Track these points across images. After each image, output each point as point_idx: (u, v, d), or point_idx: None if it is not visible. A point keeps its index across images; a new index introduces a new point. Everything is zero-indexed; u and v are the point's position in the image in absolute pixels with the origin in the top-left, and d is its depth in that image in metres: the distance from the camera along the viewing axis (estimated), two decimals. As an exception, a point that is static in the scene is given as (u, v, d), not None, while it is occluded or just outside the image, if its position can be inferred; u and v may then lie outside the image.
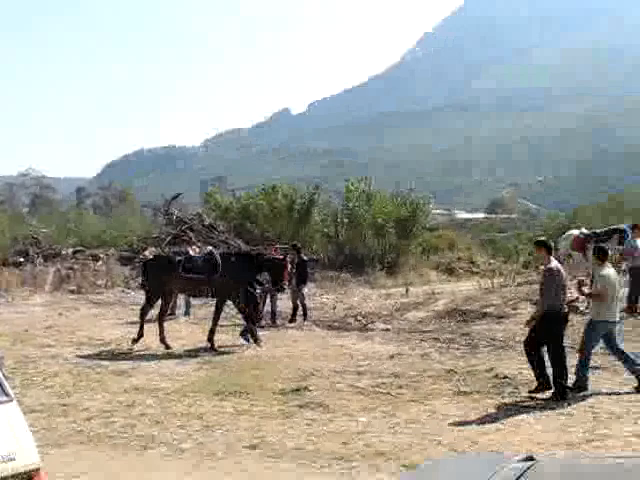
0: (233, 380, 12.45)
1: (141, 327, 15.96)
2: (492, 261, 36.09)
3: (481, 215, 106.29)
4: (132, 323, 19.55)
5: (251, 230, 33.96)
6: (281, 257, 16.95)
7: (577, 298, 14.12)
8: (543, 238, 12.57)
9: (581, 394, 11.01)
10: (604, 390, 11.30)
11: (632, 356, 11.57)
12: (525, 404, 10.65)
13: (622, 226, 20.50)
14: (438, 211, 68.85)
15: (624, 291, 19.79)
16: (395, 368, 13.21)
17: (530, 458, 2.53)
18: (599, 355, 13.78)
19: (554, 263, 11.19)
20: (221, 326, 16.54)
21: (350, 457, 8.44)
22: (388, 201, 34.77)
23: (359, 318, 19.76)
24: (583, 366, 11.33)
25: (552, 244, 11.78)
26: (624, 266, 21.46)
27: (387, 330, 18.02)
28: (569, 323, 12.25)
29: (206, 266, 15.95)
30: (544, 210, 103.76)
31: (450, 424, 9.73)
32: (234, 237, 31.55)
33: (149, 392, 11.68)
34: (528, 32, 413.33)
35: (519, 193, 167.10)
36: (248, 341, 15.97)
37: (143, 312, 16.29)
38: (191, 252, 17.40)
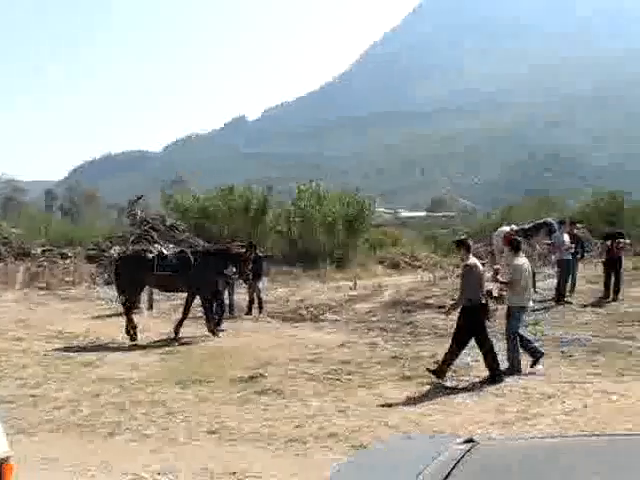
0: (194, 369, 12.38)
1: (131, 321, 15.86)
2: (433, 256, 36.31)
3: (423, 213, 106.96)
4: (98, 317, 19.42)
5: (209, 229, 33.77)
6: (244, 252, 17.04)
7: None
8: (462, 237, 12.74)
9: (515, 376, 11.14)
10: (536, 372, 11.43)
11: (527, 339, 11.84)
12: (464, 387, 10.73)
13: (549, 220, 20.68)
14: (383, 210, 69.10)
15: (551, 282, 20.12)
16: (345, 356, 13.23)
17: (470, 440, 2.52)
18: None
19: (472, 260, 11.32)
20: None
21: (304, 439, 8.42)
22: (337, 201, 34.83)
23: (311, 310, 19.74)
24: (513, 350, 11.50)
25: (470, 242, 11.88)
26: (553, 258, 21.77)
27: (337, 320, 18.04)
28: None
29: (179, 263, 16.04)
30: (481, 208, 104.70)
31: (396, 407, 9.76)
32: (194, 236, 31.33)
33: (115, 382, 11.55)
34: (461, 43, 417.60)
35: (458, 192, 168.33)
36: (223, 330, 16.18)
37: (127, 307, 16.16)
38: (165, 251, 17.27)
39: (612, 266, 18.70)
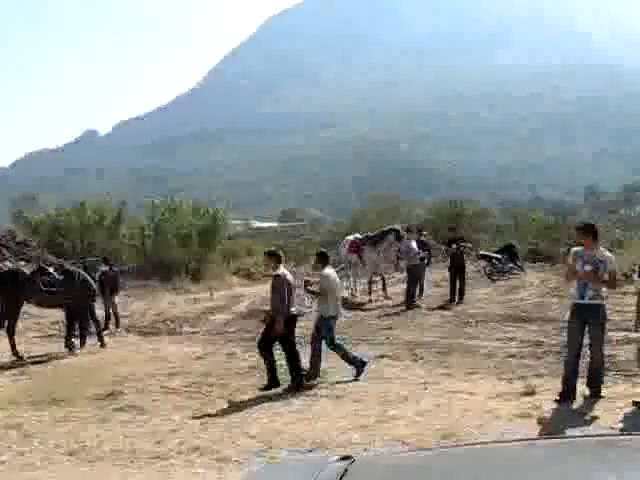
0: (50, 389, 11.75)
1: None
2: (286, 265, 36.42)
3: (274, 224, 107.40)
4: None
5: (62, 245, 32.56)
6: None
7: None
8: (273, 249, 12.82)
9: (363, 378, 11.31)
10: (391, 376, 11.57)
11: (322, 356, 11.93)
12: (324, 394, 10.70)
13: (396, 227, 21.08)
14: (236, 221, 68.82)
15: (401, 287, 20.54)
16: (204, 368, 12.96)
17: (347, 457, 2.42)
18: (385, 345, 14.20)
19: (282, 270, 11.38)
20: (34, 337, 15.69)
21: (166, 455, 8.13)
22: (190, 214, 34.38)
23: (168, 323, 19.33)
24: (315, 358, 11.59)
25: (281, 253, 11.99)
26: (402, 264, 22.25)
27: (195, 333, 17.73)
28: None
29: (62, 280, 15.45)
30: (331, 218, 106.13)
31: (257, 417, 9.61)
32: (47, 252, 30.10)
33: (-36, 407, 10.82)
34: (317, 59, 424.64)
35: (309, 203, 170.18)
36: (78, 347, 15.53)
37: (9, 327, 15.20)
38: (51, 269, 16.44)
39: (456, 270, 19.30)
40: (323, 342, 11.80)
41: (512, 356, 12.59)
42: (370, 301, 20.07)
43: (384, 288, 20.50)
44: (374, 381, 11.24)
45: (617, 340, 12.56)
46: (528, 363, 11.99)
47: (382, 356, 13.21)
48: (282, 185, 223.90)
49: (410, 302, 18.70)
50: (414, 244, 19.44)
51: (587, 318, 9.54)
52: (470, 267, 22.76)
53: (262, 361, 11.53)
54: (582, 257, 9.56)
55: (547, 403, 9.31)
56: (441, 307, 18.49)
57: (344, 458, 2.41)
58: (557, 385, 9.75)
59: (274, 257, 11.62)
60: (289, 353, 11.30)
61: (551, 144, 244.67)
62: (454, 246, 19.58)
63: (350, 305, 19.78)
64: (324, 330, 11.69)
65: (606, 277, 9.49)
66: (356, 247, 21.12)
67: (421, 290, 19.91)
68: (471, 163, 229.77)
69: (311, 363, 11.71)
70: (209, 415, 9.79)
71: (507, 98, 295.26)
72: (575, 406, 9.25)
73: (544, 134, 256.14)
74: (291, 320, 11.37)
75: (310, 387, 11.12)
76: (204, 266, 33.07)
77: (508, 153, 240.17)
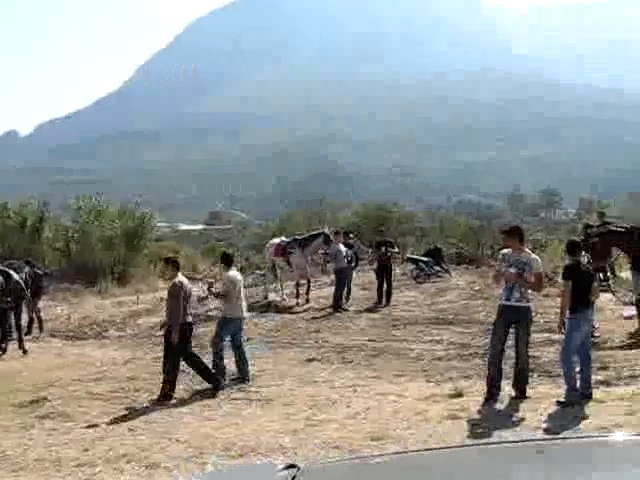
0: (-30, 396, 11.39)
1: None
2: (213, 268, 36.08)
3: (200, 226, 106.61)
4: None
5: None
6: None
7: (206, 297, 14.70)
8: (171, 256, 12.81)
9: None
10: (320, 379, 11.55)
11: (247, 357, 11.95)
12: (253, 397, 10.62)
13: (325, 230, 21.05)
14: (162, 224, 68.03)
15: (329, 290, 20.53)
16: (131, 372, 12.73)
17: (292, 466, 2.37)
18: (314, 348, 14.17)
19: (179, 278, 11.28)
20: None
21: (93, 462, 7.94)
22: (116, 216, 33.76)
23: (94, 327, 18.96)
24: (220, 359, 11.54)
25: (179, 261, 11.97)
26: (329, 267, 22.29)
27: (121, 337, 17.43)
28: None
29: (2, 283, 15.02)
30: (257, 221, 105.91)
31: (186, 422, 9.48)
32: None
33: None
34: (243, 60, 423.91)
35: (235, 206, 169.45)
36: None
37: None
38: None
39: (384, 273, 19.40)
40: (246, 346, 11.76)
41: (440, 358, 12.72)
42: (298, 304, 20.03)
43: (307, 292, 20.48)
44: (304, 385, 11.22)
45: (540, 341, 12.79)
46: (455, 365, 12.13)
47: (311, 359, 13.19)
48: (209, 187, 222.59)
49: (338, 305, 18.72)
50: (342, 247, 19.46)
51: (513, 319, 9.70)
52: (397, 270, 22.95)
53: (190, 365, 11.38)
54: (509, 259, 9.72)
55: (475, 404, 9.43)
56: (369, 310, 18.55)
57: (289, 467, 2.37)
58: (484, 386, 9.88)
59: (172, 264, 11.53)
60: (189, 361, 11.20)
61: (468, 150, 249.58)
62: (383, 249, 19.67)
63: (278, 309, 19.72)
64: (228, 330, 11.68)
65: (532, 279, 9.66)
66: (282, 250, 21.02)
67: (348, 293, 19.95)
68: (395, 167, 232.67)
69: (240, 370, 11.67)
70: (137, 420, 9.61)
71: (429, 104, 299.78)
72: (502, 407, 9.39)
73: (463, 140, 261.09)
74: (187, 328, 11.23)
75: (239, 390, 11.04)
76: (130, 269, 32.54)
77: (431, 158, 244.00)
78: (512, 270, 9.57)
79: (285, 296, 20.91)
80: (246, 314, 12.22)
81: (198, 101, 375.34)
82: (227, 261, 12.18)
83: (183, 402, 10.59)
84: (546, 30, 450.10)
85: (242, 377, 11.58)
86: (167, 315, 11.23)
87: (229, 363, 11.84)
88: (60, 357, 14.85)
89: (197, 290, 12.75)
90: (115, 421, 9.64)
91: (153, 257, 37.17)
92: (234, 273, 11.95)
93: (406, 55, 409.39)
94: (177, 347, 10.93)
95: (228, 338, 11.90)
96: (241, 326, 12.01)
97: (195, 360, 11.29)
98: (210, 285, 12.23)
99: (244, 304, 12.12)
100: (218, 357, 11.56)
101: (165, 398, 10.68)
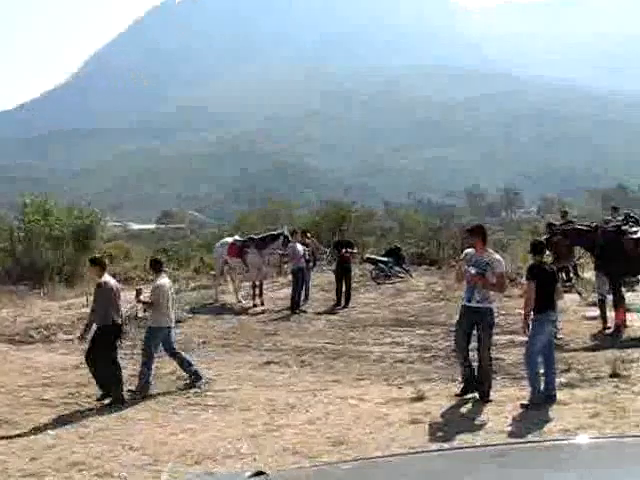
0: None
1: None
2: (166, 269, 35.80)
3: (152, 226, 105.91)
4: None
5: None
6: None
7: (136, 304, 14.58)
8: (97, 256, 12.60)
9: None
10: (278, 383, 11.53)
11: (188, 358, 11.89)
12: (209, 402, 10.54)
13: (285, 232, 20.88)
14: (113, 223, 67.44)
15: (286, 291, 20.47)
16: (81, 378, 12.48)
17: (260, 473, 2.36)
18: (271, 351, 14.13)
19: (105, 278, 11.17)
20: None
21: (41, 472, 7.81)
22: (65, 215, 33.29)
23: (41, 330, 18.64)
24: (148, 369, 11.37)
25: (106, 261, 11.89)
26: (286, 267, 22.23)
27: (70, 341, 17.15)
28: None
29: None
30: (211, 220, 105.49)
31: (140, 428, 9.38)
32: None
33: None
34: (203, 56, 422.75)
35: (187, 205, 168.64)
36: None
37: None
38: None
39: (342, 274, 19.40)
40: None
41: (401, 361, 12.76)
42: (255, 306, 19.95)
43: (260, 294, 20.41)
44: (261, 389, 11.18)
45: (503, 343, 12.90)
46: (417, 368, 12.18)
47: (268, 362, 13.17)
48: (161, 186, 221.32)
49: (295, 307, 18.69)
50: (299, 247, 19.43)
51: (474, 321, 9.77)
52: (356, 270, 22.98)
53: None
54: (471, 259, 9.78)
55: (437, 408, 9.47)
56: (327, 312, 18.54)
57: (257, 474, 2.35)
58: (447, 389, 9.94)
59: (98, 265, 11.41)
60: (106, 367, 10.99)
61: (428, 148, 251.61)
62: (344, 250, 19.65)
63: (234, 310, 19.63)
64: (157, 339, 11.46)
65: (493, 280, 9.72)
66: (238, 250, 20.87)
67: (307, 294, 19.93)
68: (351, 165, 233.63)
69: (186, 372, 11.61)
70: (88, 428, 9.48)
71: (395, 102, 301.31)
72: (465, 410, 9.45)
73: (420, 138, 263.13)
74: (115, 330, 11.11)
75: (194, 395, 10.96)
76: (79, 270, 32.11)
77: (386, 156, 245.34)
78: (472, 270, 9.62)
79: (241, 298, 20.80)
80: (173, 323, 11.94)
81: (155, 98, 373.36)
82: (157, 267, 11.93)
83: (137, 408, 10.47)
84: (508, 27, 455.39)
85: (193, 379, 11.47)
86: (90, 315, 11.04)
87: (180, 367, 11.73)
88: (5, 362, 14.57)
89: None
90: (65, 428, 9.49)
91: (104, 258, 36.75)
92: (164, 281, 11.67)
93: (371, 54, 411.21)
94: (105, 349, 10.84)
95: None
96: (170, 334, 11.68)
97: (113, 365, 11.04)
98: (138, 292, 11.74)
99: (172, 313, 11.83)
100: (146, 366, 11.30)
101: (115, 403, 10.60)
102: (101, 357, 10.95)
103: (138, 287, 12.35)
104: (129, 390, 11.07)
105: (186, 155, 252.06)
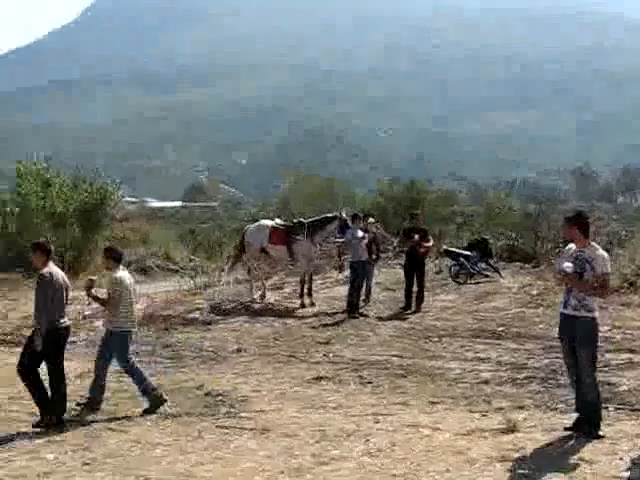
0: None
1: None
2: (193, 257, 35.99)
3: (178, 203, 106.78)
4: None
5: None
6: None
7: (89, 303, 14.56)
8: (40, 240, 12.25)
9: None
10: (331, 404, 11.52)
11: (141, 369, 11.82)
12: (245, 425, 10.57)
13: (342, 214, 20.65)
14: (127, 199, 68.06)
15: (341, 289, 20.42)
16: (85, 390, 12.65)
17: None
18: (323, 364, 14.11)
19: (50, 268, 10.92)
20: None
21: (37, 506, 7.92)
22: (70, 187, 33.47)
23: (38, 329, 18.88)
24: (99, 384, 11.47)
25: (51, 247, 11.39)
26: (344, 260, 22.13)
27: (73, 342, 17.33)
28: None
29: None
30: (248, 197, 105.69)
31: (158, 455, 9.43)
32: None
33: None
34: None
35: (219, 177, 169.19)
36: None
37: None
38: None
39: (414, 270, 19.24)
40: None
41: (486, 382, 12.67)
42: (303, 306, 19.96)
43: (310, 292, 20.38)
44: (310, 410, 11.18)
45: (618, 364, 12.72)
46: (507, 391, 12.08)
47: (319, 378, 13.18)
48: (181, 153, 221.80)
49: (353, 309, 18.65)
50: (361, 234, 19.24)
51: (571, 333, 9.57)
52: (430, 266, 22.87)
53: (162, 381, 11.31)
54: (567, 255, 9.61)
55: (532, 443, 9.36)
56: (394, 317, 18.52)
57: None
58: (545, 420, 9.82)
59: (39, 251, 11.06)
60: (53, 375, 10.98)
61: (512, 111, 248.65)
62: (417, 238, 19.27)
63: (276, 312, 19.69)
64: (115, 347, 11.46)
65: (591, 282, 9.45)
66: (282, 236, 20.79)
67: (368, 294, 19.88)
68: (418, 130, 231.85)
69: (92, 390, 11.57)
70: (94, 452, 9.56)
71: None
72: (567, 447, 9.31)
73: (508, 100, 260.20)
74: (62, 334, 11.02)
75: (226, 415, 11.00)
76: (86, 256, 32.45)
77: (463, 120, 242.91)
78: (568, 268, 9.37)
79: (257, 294, 20.84)
80: (136, 327, 11.94)
81: (163, 44, 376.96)
82: (115, 257, 11.70)
83: (154, 429, 10.54)
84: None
85: (92, 403, 11.44)
86: (36, 316, 10.82)
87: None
88: (-6, 368, 14.83)
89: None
90: (66, 452, 9.60)
91: (116, 241, 37.07)
92: (123, 274, 11.54)
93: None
94: (49, 357, 10.82)
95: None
96: (128, 341, 11.65)
97: (58, 377, 11.03)
98: (89, 285, 11.54)
99: (134, 315, 11.78)
100: (97, 384, 11.41)
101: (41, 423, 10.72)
102: (49, 369, 10.96)
103: (91, 277, 12.13)
104: (78, 404, 11.27)
105: (214, 113, 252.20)
